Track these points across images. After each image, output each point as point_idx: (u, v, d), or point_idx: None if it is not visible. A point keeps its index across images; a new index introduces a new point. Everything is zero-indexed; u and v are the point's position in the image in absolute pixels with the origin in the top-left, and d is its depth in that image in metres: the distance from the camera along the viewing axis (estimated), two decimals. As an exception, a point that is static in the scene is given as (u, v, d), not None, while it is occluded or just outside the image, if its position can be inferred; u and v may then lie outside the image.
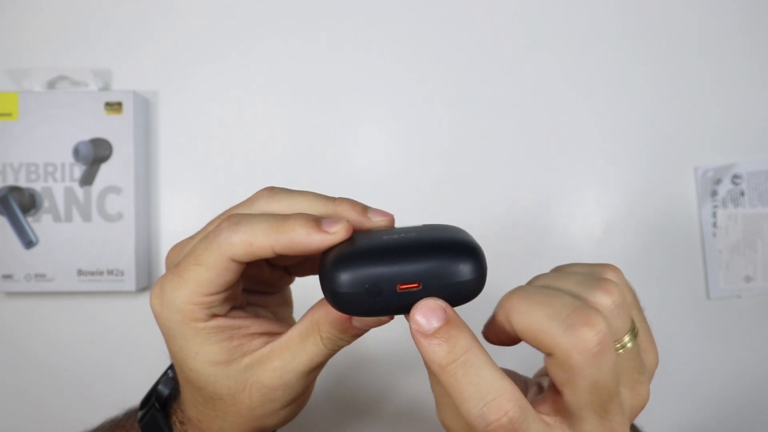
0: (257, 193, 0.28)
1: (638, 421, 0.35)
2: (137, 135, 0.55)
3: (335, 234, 0.24)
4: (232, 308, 0.28)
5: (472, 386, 0.22)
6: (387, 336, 0.51)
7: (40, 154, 0.54)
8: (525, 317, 0.23)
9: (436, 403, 0.26)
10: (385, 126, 0.58)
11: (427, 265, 0.23)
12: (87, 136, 0.54)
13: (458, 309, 0.24)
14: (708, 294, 0.58)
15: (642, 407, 0.25)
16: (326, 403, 0.56)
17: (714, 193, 0.58)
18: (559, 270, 0.28)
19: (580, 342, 0.21)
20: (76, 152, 0.54)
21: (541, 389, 0.27)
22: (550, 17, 0.58)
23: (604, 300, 0.23)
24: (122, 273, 0.54)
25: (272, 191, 0.27)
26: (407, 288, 0.23)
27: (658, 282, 0.58)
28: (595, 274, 0.26)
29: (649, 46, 0.58)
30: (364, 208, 0.27)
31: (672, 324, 0.58)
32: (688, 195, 0.58)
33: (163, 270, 0.54)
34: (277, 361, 0.27)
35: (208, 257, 0.25)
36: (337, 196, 0.28)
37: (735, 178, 0.58)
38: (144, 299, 0.57)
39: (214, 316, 0.26)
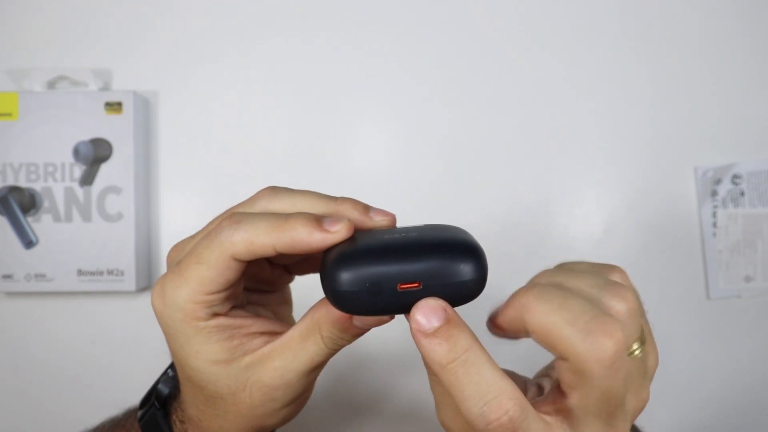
0: (259, 192, 0.28)
1: (638, 421, 0.35)
2: (137, 135, 0.55)
3: (336, 233, 0.24)
4: (233, 307, 0.28)
5: (472, 385, 0.22)
6: (387, 336, 0.51)
7: (40, 154, 0.54)
8: (542, 319, 0.22)
9: (435, 403, 0.26)
10: (385, 126, 0.58)
11: (428, 264, 0.23)
12: (87, 136, 0.54)
13: (459, 309, 0.24)
14: (708, 294, 0.58)
15: (642, 409, 0.25)
16: (326, 403, 0.56)
17: (714, 193, 0.58)
18: (566, 268, 0.27)
19: (598, 351, 0.21)
20: (76, 152, 0.54)
21: (541, 390, 0.27)
22: (550, 17, 0.58)
23: (619, 306, 0.23)
24: (122, 273, 0.54)
25: (274, 190, 0.27)
26: (408, 287, 0.23)
27: (658, 282, 0.58)
28: (602, 274, 0.25)
29: (649, 46, 0.58)
30: (366, 208, 0.27)
31: (672, 324, 0.58)
32: (688, 195, 0.58)
33: (163, 270, 0.54)
34: (278, 360, 0.27)
35: (209, 256, 0.25)
36: (338, 195, 0.28)
37: (735, 178, 0.58)
38: (144, 299, 0.57)
39: (215, 315, 0.26)
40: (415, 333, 0.23)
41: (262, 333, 0.28)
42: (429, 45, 0.58)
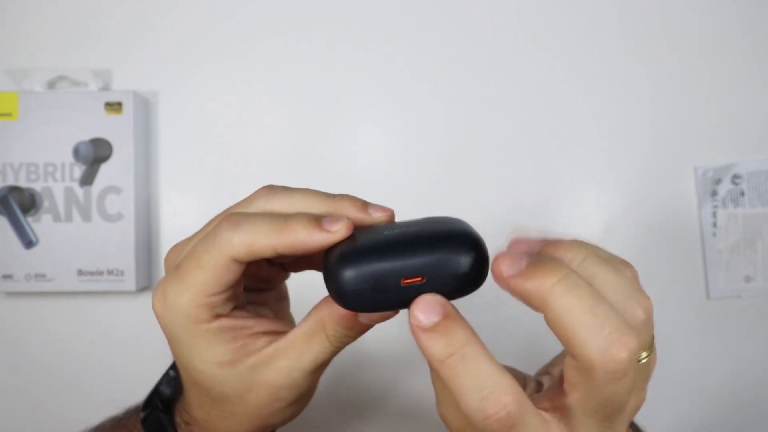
0: (256, 191, 0.28)
1: (639, 421, 0.35)
2: (137, 135, 0.55)
3: (336, 232, 0.24)
4: (235, 308, 0.28)
5: (470, 379, 0.22)
6: (387, 334, 0.51)
7: (40, 154, 0.54)
8: (566, 316, 0.21)
9: (436, 397, 0.26)
10: (385, 126, 0.58)
11: (429, 258, 0.23)
12: (87, 136, 0.54)
13: (459, 307, 0.24)
14: (708, 294, 0.58)
15: (639, 408, 0.25)
16: (326, 402, 0.56)
17: (714, 193, 0.58)
18: (597, 256, 0.24)
19: (612, 362, 0.21)
20: (76, 152, 0.54)
21: (540, 387, 0.27)
22: (550, 17, 0.58)
23: (639, 314, 0.23)
24: (122, 273, 0.54)
25: (271, 189, 0.27)
26: (411, 282, 0.23)
27: (658, 282, 0.58)
28: (625, 274, 0.24)
29: (649, 46, 0.58)
30: (364, 204, 0.27)
31: (672, 324, 0.58)
32: (688, 195, 0.58)
33: (163, 270, 0.54)
34: (283, 360, 0.27)
35: (209, 259, 0.25)
36: (337, 193, 0.28)
37: (735, 178, 0.58)
38: (144, 299, 0.57)
39: (218, 316, 0.26)
40: (414, 329, 0.23)
41: (265, 333, 0.28)
42: (429, 45, 0.58)
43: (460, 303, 0.24)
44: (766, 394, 0.58)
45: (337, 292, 0.24)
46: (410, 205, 0.57)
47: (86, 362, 0.57)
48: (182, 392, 0.31)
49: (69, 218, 0.54)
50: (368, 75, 0.58)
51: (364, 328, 0.27)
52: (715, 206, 0.58)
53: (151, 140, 0.58)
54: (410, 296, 0.23)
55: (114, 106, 0.54)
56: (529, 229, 0.24)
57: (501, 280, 0.23)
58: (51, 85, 0.57)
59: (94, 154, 0.54)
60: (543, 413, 0.23)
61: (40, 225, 0.54)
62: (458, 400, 0.22)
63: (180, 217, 0.58)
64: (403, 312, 0.24)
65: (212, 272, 0.25)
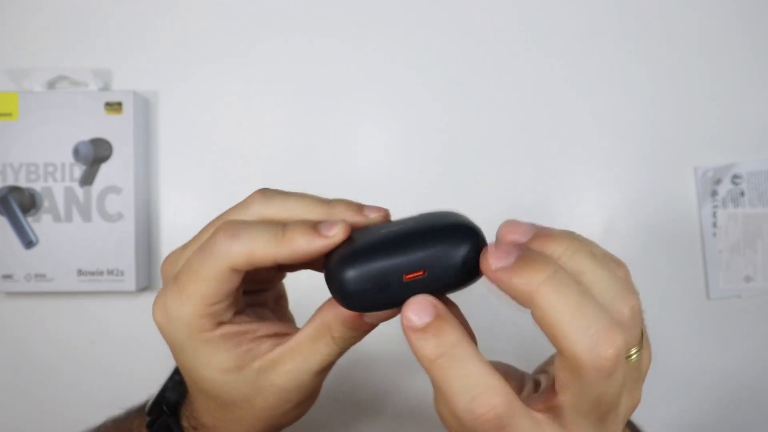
0: (250, 196, 0.27)
1: (638, 421, 0.35)
2: (137, 135, 0.55)
3: (334, 236, 0.25)
4: (236, 313, 0.28)
5: (459, 380, 0.22)
6: (387, 334, 0.51)
7: (40, 154, 0.54)
8: (553, 314, 0.21)
9: (434, 395, 0.26)
10: (385, 126, 0.58)
11: (429, 251, 0.23)
12: (87, 136, 0.54)
13: (460, 306, 0.24)
14: (708, 294, 0.58)
15: (635, 408, 0.25)
16: (326, 402, 0.56)
17: (714, 193, 0.58)
18: (587, 252, 0.24)
19: (599, 360, 0.21)
20: (76, 152, 0.54)
21: (538, 386, 0.27)
22: (550, 17, 0.58)
23: (626, 311, 0.23)
24: (122, 273, 0.54)
25: (265, 194, 0.27)
26: (413, 277, 0.23)
27: (658, 282, 0.58)
28: (614, 270, 0.24)
29: (649, 46, 0.58)
30: (360, 207, 0.27)
31: (672, 324, 0.58)
32: (688, 195, 0.58)
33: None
34: (290, 363, 0.27)
35: (208, 270, 0.25)
36: (331, 197, 0.28)
37: (735, 178, 0.58)
38: (144, 299, 0.57)
39: (221, 324, 0.27)
40: (406, 329, 0.23)
41: (269, 336, 0.28)
42: (429, 45, 0.58)
43: (461, 304, 0.24)
44: (765, 394, 0.58)
45: (341, 293, 0.24)
46: (410, 205, 0.57)
47: (86, 362, 0.57)
48: (187, 396, 0.31)
49: (69, 218, 0.54)
50: (368, 75, 0.58)
51: (370, 328, 0.27)
52: (715, 206, 0.58)
53: (151, 140, 0.58)
54: (413, 291, 0.23)
55: (114, 106, 0.54)
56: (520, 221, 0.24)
57: (489, 273, 0.23)
58: (51, 85, 0.57)
59: (94, 154, 0.54)
60: (535, 414, 0.23)
61: (40, 225, 0.54)
62: (447, 400, 0.22)
63: (180, 217, 0.58)
64: (403, 312, 0.24)
65: (212, 283, 0.25)
